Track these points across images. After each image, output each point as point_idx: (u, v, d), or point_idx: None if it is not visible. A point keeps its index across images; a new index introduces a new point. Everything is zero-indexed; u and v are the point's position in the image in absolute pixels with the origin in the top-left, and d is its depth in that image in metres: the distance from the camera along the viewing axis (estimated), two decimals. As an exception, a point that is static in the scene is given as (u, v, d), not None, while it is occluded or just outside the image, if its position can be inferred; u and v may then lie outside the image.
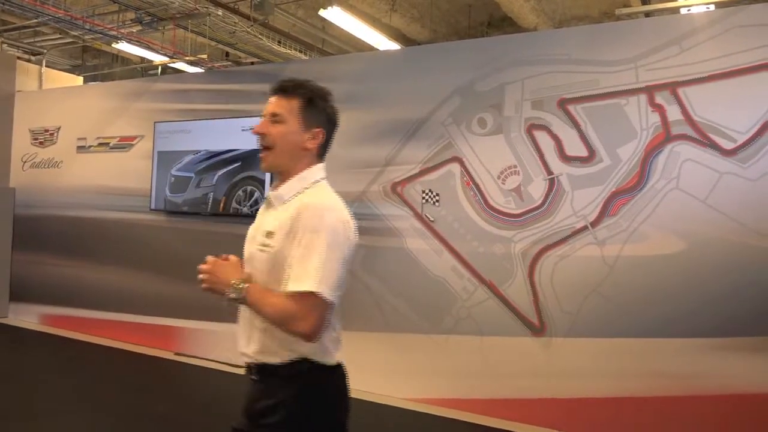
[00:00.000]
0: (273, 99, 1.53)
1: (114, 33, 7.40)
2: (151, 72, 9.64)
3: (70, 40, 8.04)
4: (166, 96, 5.35)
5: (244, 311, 1.54)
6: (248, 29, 7.34)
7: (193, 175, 5.00)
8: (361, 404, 3.88)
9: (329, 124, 1.56)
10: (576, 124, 3.59)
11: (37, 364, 4.71)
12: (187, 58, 7.96)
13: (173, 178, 5.09)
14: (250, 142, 4.69)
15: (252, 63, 8.75)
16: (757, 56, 3.18)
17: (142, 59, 8.93)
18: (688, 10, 5.60)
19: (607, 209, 3.48)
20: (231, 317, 5.21)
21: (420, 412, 3.77)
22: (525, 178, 3.71)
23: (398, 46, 7.41)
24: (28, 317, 5.97)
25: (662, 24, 3.64)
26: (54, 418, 3.50)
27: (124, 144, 5.53)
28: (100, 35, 7.55)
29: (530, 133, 3.71)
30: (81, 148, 5.81)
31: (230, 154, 4.81)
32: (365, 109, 4.29)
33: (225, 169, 4.83)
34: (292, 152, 1.51)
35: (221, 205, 4.82)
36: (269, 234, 1.46)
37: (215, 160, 4.89)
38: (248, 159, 4.70)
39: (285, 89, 1.51)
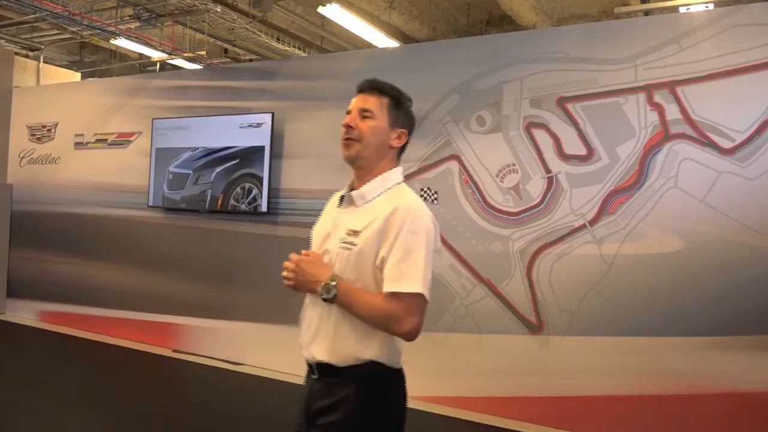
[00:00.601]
0: (362, 96, 1.57)
1: (112, 29, 7.38)
2: (149, 68, 9.62)
3: (68, 35, 8.01)
4: (164, 92, 5.34)
5: (313, 309, 1.54)
6: (247, 26, 7.32)
7: (191, 172, 4.99)
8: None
9: (411, 125, 1.61)
10: (575, 123, 3.58)
11: (34, 360, 4.70)
12: (185, 54, 7.94)
13: (171, 175, 5.08)
14: (249, 139, 4.69)
15: (251, 60, 8.73)
16: (755, 55, 3.18)
17: (141, 55, 8.91)
18: (687, 9, 5.60)
19: (605, 208, 3.48)
20: (228, 314, 5.16)
21: (418, 410, 3.77)
22: (523, 176, 3.71)
23: (397, 44, 7.40)
24: (25, 314, 5.96)
25: (661, 23, 3.64)
26: (51, 415, 3.50)
27: (122, 140, 5.52)
28: (99, 31, 7.53)
29: (529, 131, 3.71)
30: (79, 145, 5.80)
31: (228, 151, 4.80)
32: (364, 107, 4.28)
33: (223, 166, 4.82)
34: (378, 147, 1.54)
35: (219, 202, 4.81)
36: (354, 232, 1.47)
37: (213, 157, 4.88)
38: (246, 156, 4.69)
39: (375, 87, 1.56)
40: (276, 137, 4.59)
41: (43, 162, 6.02)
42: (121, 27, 7.40)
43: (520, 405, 3.62)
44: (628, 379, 3.37)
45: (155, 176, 5.16)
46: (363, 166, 1.55)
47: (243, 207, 4.70)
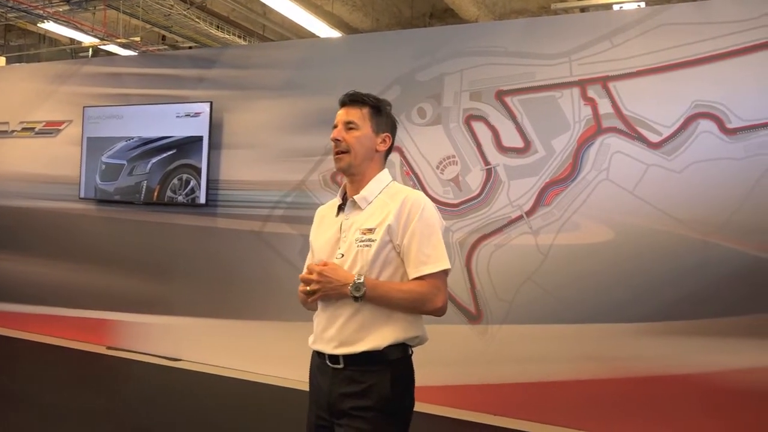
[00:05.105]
0: (344, 109, 1.70)
1: (39, 12, 7.01)
2: (81, 54, 9.21)
3: (-8, 18, 7.58)
4: (97, 79, 5.12)
5: (332, 311, 1.62)
6: (184, 12, 7.11)
7: (125, 162, 4.81)
8: (297, 394, 3.87)
9: (394, 129, 1.76)
10: (512, 116, 3.66)
11: (-45, 361, 4.45)
12: (118, 40, 7.64)
13: (104, 166, 4.89)
14: (186, 129, 4.56)
15: (190, 47, 8.49)
16: (682, 53, 3.31)
17: (72, 40, 8.52)
18: (621, 6, 5.81)
19: (541, 199, 3.57)
20: (164, 309, 5.00)
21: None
22: (463, 168, 3.76)
23: (340, 34, 7.35)
24: (-55, 312, 5.62)
25: (595, 19, 3.74)
26: (-27, 418, 3.32)
27: (51, 129, 5.27)
28: (25, 14, 7.15)
29: (468, 123, 3.76)
30: (3, 133, 5.49)
31: (165, 141, 4.65)
32: (305, 97, 4.23)
33: (159, 157, 4.67)
34: (366, 154, 1.68)
35: (155, 193, 4.66)
36: (370, 230, 1.62)
37: (149, 147, 4.72)
38: (184, 146, 4.56)
39: (355, 99, 1.69)
40: (215, 127, 4.48)
41: (-36, 151, 5.68)
42: (49, 10, 7.04)
43: (460, 393, 3.68)
44: (564, 366, 3.47)
45: (87, 167, 4.95)
46: (355, 172, 1.68)
47: (180, 199, 4.57)
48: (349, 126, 1.67)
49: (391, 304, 1.58)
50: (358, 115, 1.68)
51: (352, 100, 1.70)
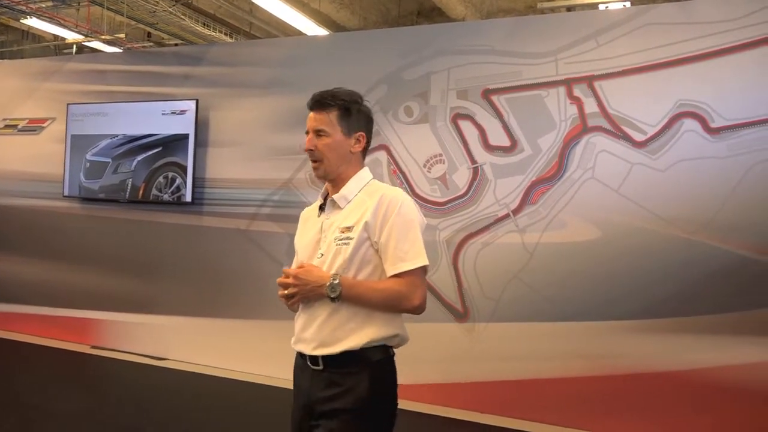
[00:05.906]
0: (312, 115, 1.64)
1: (22, 7, 6.92)
2: (65, 51, 9.11)
3: (-27, 13, 7.47)
4: (81, 76, 5.06)
5: (311, 312, 1.61)
6: (170, 9, 7.05)
7: (110, 160, 4.77)
8: (283, 393, 3.86)
9: (368, 124, 1.70)
10: (499, 114, 3.66)
11: (-65, 361, 4.39)
12: (103, 37, 7.56)
13: (88, 164, 4.84)
14: (172, 127, 4.53)
15: (175, 45, 8.43)
16: (666, 53, 3.33)
17: (56, 37, 8.42)
18: (606, 6, 5.85)
19: (528, 198, 3.58)
20: (150, 308, 4.96)
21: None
22: (450, 166, 3.77)
23: (327, 32, 7.33)
24: (-74, 312, 5.53)
25: (581, 19, 3.76)
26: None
27: (34, 126, 5.21)
28: (7, 9, 7.06)
29: (455, 122, 3.76)
30: (-15, 131, 5.42)
31: (150, 139, 4.62)
32: (291, 95, 4.21)
33: (145, 155, 4.63)
34: (341, 159, 1.64)
35: (140, 191, 4.62)
36: (348, 228, 1.59)
37: (134, 144, 4.68)
38: (169, 144, 4.53)
39: (321, 103, 1.62)
40: (201, 125, 4.45)
41: (-55, 149, 5.59)
42: (32, 6, 6.95)
43: (447, 391, 3.69)
44: (550, 363, 3.49)
45: (71, 164, 4.90)
46: (334, 178, 1.66)
47: (166, 197, 4.53)
48: (319, 134, 1.63)
49: (368, 303, 1.57)
50: (325, 120, 1.62)
51: (317, 104, 1.63)
